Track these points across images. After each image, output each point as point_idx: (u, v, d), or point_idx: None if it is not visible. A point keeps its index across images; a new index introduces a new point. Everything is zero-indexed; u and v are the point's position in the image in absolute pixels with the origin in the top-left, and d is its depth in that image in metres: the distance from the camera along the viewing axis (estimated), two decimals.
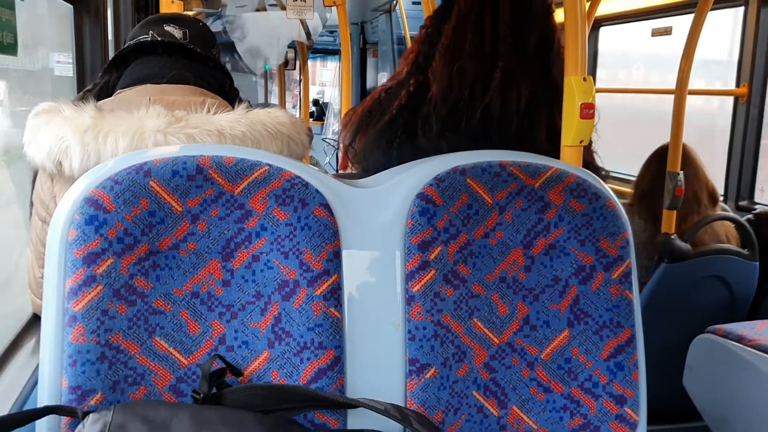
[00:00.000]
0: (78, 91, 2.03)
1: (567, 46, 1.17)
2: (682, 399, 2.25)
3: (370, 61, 8.21)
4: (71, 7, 2.28)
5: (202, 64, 1.50)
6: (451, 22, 1.36)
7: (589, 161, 1.33)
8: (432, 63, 1.35)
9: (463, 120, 1.30)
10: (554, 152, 1.21)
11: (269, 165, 1.01)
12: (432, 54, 1.36)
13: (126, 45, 1.52)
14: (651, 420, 1.14)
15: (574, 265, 1.10)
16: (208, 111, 1.29)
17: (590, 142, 1.24)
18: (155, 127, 1.21)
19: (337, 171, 3.53)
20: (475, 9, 1.34)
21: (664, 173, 2.67)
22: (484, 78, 1.30)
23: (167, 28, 1.54)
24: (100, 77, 1.54)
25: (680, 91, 2.65)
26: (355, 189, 1.09)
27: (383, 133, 1.36)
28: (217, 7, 4.99)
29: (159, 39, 1.50)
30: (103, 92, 1.48)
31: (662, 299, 2.59)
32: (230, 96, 1.53)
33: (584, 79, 1.15)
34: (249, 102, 1.52)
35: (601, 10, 3.58)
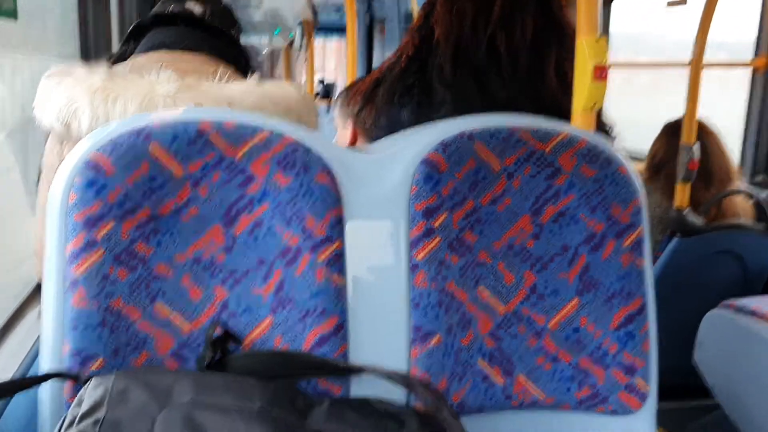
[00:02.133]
0: (82, 57, 2.03)
1: (579, 6, 1.14)
2: (693, 376, 2.23)
3: (377, 39, 8.11)
4: None
5: (219, 38, 1.50)
6: None
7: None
8: (434, 13, 1.35)
9: (470, 54, 1.29)
10: (563, 91, 1.19)
11: (270, 130, 0.99)
12: (432, 11, 1.36)
13: (146, 18, 1.53)
14: (661, 395, 1.12)
15: (584, 232, 1.08)
16: (220, 80, 1.28)
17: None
18: (165, 92, 1.20)
19: None
20: None
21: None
22: (483, 13, 1.30)
23: (188, 4, 1.56)
24: (119, 48, 1.54)
25: (696, 64, 2.60)
26: (358, 155, 1.07)
27: (395, 86, 1.35)
28: None
29: (179, 13, 1.50)
30: (119, 62, 1.48)
31: (674, 274, 2.57)
32: (245, 73, 1.52)
33: (597, 40, 1.12)
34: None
35: None
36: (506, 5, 1.31)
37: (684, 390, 2.46)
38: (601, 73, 1.12)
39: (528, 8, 1.31)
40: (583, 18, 1.14)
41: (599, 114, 1.34)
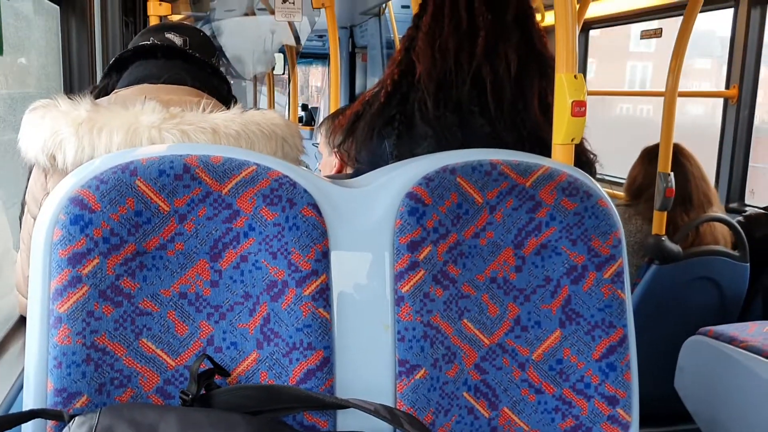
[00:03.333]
0: (65, 89, 2.03)
1: (558, 44, 1.17)
2: (674, 401, 2.24)
3: (359, 65, 8.19)
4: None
5: (201, 68, 1.51)
6: (428, 12, 1.39)
7: (576, 146, 1.35)
8: (415, 49, 1.37)
9: (453, 90, 1.31)
10: (546, 124, 1.21)
11: (257, 164, 1.00)
12: (414, 46, 1.38)
13: (126, 49, 1.54)
14: (642, 422, 1.13)
15: (565, 264, 1.10)
16: (203, 110, 1.29)
17: None
18: (150, 123, 1.20)
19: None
20: None
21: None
22: (467, 48, 1.33)
23: (168, 35, 1.56)
24: (100, 81, 1.55)
25: (670, 93, 2.66)
26: (344, 189, 1.08)
27: (374, 122, 1.37)
28: (205, 10, 4.97)
29: (159, 44, 1.51)
30: (102, 95, 1.49)
31: (653, 300, 2.60)
32: (227, 101, 1.53)
33: (575, 77, 1.15)
34: (255, 107, 1.53)
35: (591, 13, 3.59)
36: (490, 39, 1.33)
37: (664, 415, 2.47)
38: (579, 108, 1.15)
39: (511, 41, 1.34)
40: (561, 55, 1.17)
41: (582, 146, 1.36)
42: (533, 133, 1.32)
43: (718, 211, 2.79)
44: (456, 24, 1.36)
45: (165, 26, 1.61)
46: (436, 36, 1.37)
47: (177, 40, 1.56)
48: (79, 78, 2.24)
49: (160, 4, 2.91)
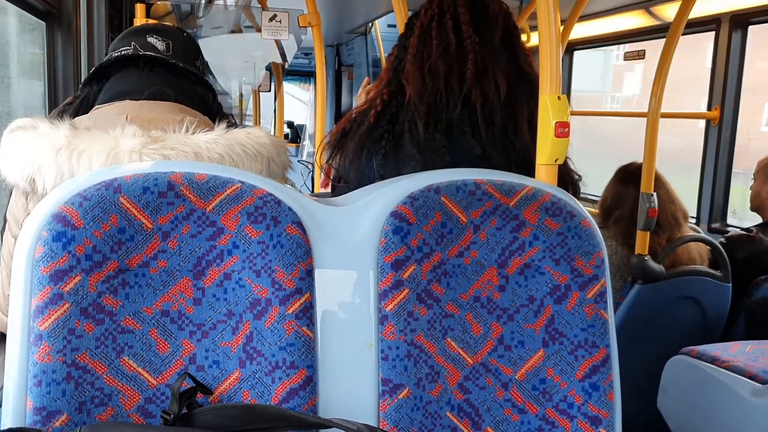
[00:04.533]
0: (49, 108, 2.00)
1: (541, 64, 1.18)
2: (657, 421, 2.25)
3: (345, 84, 8.23)
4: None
5: (185, 78, 1.48)
6: (415, 33, 1.40)
7: (562, 167, 1.35)
8: (404, 71, 1.37)
9: (444, 112, 1.31)
10: (535, 145, 1.22)
11: (242, 182, 1.00)
12: (402, 68, 1.39)
13: (107, 57, 1.49)
14: None
15: (549, 284, 1.10)
16: (187, 130, 1.27)
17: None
18: (131, 147, 1.19)
19: (312, 192, 3.51)
20: (436, 17, 1.40)
21: (629, 193, 2.70)
22: (457, 71, 1.33)
23: (150, 39, 1.50)
24: (80, 90, 1.50)
25: (653, 114, 2.69)
26: (328, 207, 1.08)
27: (364, 141, 1.37)
28: (192, 27, 4.98)
29: (141, 51, 1.47)
30: (83, 106, 1.46)
31: (636, 320, 2.61)
32: (213, 111, 1.51)
33: (558, 98, 1.16)
34: (232, 117, 1.50)
35: (575, 34, 3.63)
36: (479, 62, 1.34)
37: None
38: (562, 129, 1.16)
39: (500, 63, 1.34)
40: (545, 76, 1.18)
41: (567, 167, 1.37)
42: (523, 155, 1.33)
43: (686, 231, 2.81)
44: (444, 46, 1.37)
45: (146, 29, 1.53)
46: (425, 58, 1.37)
47: (159, 44, 1.50)
48: (64, 93, 2.23)
49: (146, 21, 2.91)
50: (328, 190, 1.56)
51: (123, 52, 1.47)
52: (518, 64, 1.38)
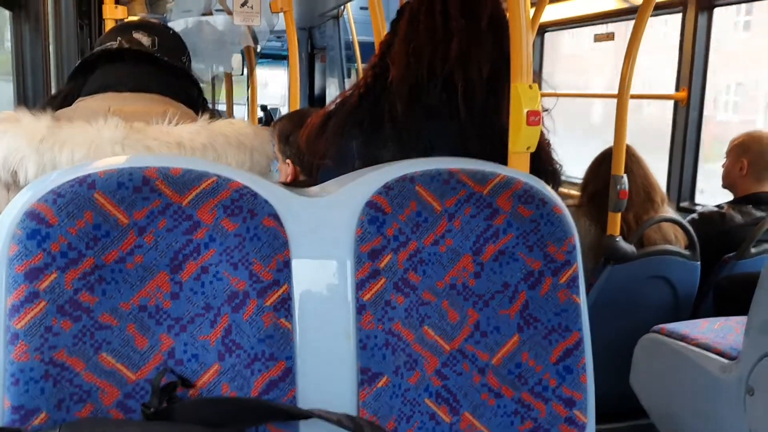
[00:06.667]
0: (17, 97, 1.97)
1: (512, 52, 1.20)
2: (629, 397, 2.30)
3: (318, 67, 8.19)
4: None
5: (169, 72, 1.48)
6: (405, 17, 1.41)
7: (542, 156, 1.37)
8: (392, 53, 1.39)
9: (424, 94, 1.33)
10: None
11: (217, 176, 1.00)
12: (390, 51, 1.40)
13: (92, 52, 1.49)
14: (599, 419, 1.17)
15: (523, 270, 1.12)
16: (169, 122, 1.27)
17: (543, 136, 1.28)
18: (113, 139, 1.19)
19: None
20: (426, 1, 1.41)
21: (602, 175, 2.73)
22: (441, 53, 1.35)
23: (136, 35, 1.50)
24: (65, 84, 1.50)
25: (622, 96, 2.72)
26: (305, 198, 1.09)
27: (346, 121, 1.38)
28: (162, 12, 4.91)
29: (126, 46, 1.47)
30: (68, 100, 1.45)
31: (609, 300, 2.66)
32: (197, 105, 1.51)
33: (530, 87, 1.17)
34: (216, 111, 1.50)
35: (545, 17, 3.65)
36: (464, 44, 1.35)
37: (620, 411, 2.53)
38: (534, 117, 1.18)
39: (484, 46, 1.36)
40: (516, 64, 1.19)
41: (549, 155, 1.39)
42: (502, 136, 1.34)
43: (664, 210, 2.86)
44: (431, 29, 1.38)
45: (132, 25, 1.54)
46: (412, 40, 1.39)
47: (145, 40, 1.50)
48: (33, 82, 2.19)
49: (116, 7, 2.85)
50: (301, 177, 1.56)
51: (108, 47, 1.47)
52: (503, 47, 1.39)
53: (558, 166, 1.45)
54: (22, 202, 0.94)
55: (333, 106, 1.46)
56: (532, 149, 1.21)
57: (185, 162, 1.01)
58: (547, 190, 1.15)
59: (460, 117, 1.34)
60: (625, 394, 2.30)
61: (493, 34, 1.39)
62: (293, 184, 2.05)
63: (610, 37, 3.65)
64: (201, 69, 5.30)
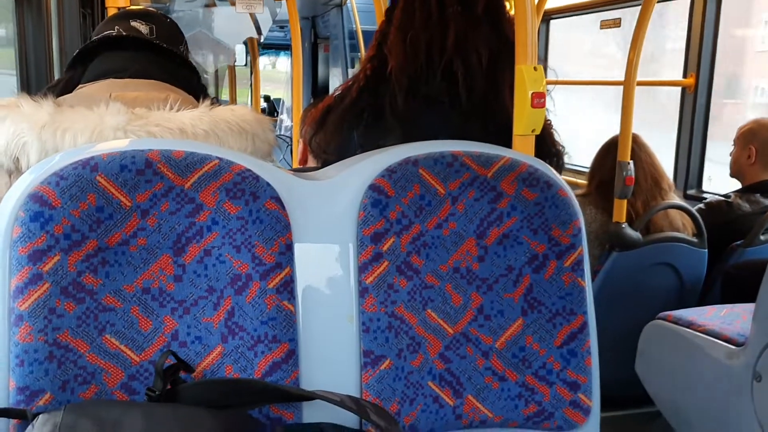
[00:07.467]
0: (21, 85, 1.97)
1: (517, 35, 1.19)
2: (634, 385, 2.29)
3: (322, 56, 8.16)
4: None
5: (169, 59, 1.48)
6: (399, 6, 1.39)
7: (546, 137, 1.36)
8: (387, 43, 1.38)
9: (424, 84, 1.32)
10: None
11: (219, 158, 1.00)
12: (386, 41, 1.39)
13: (91, 40, 1.48)
14: (603, 405, 1.16)
15: (527, 254, 1.12)
16: (171, 108, 1.27)
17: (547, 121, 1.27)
18: (115, 124, 1.18)
19: (291, 167, 3.50)
20: None
21: (609, 162, 2.72)
22: (438, 41, 1.33)
23: (134, 23, 1.50)
24: (65, 73, 1.50)
25: (629, 83, 2.70)
26: (307, 182, 1.08)
27: (345, 115, 1.38)
28: (165, 2, 4.90)
29: (124, 34, 1.47)
30: (68, 88, 1.45)
31: (614, 287, 2.64)
32: (197, 92, 1.51)
33: (534, 69, 1.16)
34: (216, 98, 1.49)
35: (551, 4, 3.63)
36: (460, 31, 1.34)
37: (625, 398, 2.53)
38: (539, 100, 1.17)
39: (481, 32, 1.34)
40: (520, 46, 1.19)
41: (552, 138, 1.38)
42: (504, 123, 1.33)
43: (670, 197, 2.84)
44: (426, 17, 1.37)
45: (130, 14, 1.54)
46: (408, 29, 1.37)
47: (143, 28, 1.50)
48: (36, 72, 2.19)
49: None
50: (309, 164, 1.56)
51: (107, 35, 1.47)
52: (501, 32, 1.38)
53: (561, 147, 1.44)
54: (25, 184, 0.94)
55: (332, 101, 1.46)
56: (537, 132, 1.20)
57: (188, 145, 1.01)
58: (552, 173, 1.14)
59: (461, 105, 1.33)
60: (631, 381, 2.30)
61: (490, 19, 1.38)
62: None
63: (616, 23, 3.62)
64: (204, 61, 5.30)
